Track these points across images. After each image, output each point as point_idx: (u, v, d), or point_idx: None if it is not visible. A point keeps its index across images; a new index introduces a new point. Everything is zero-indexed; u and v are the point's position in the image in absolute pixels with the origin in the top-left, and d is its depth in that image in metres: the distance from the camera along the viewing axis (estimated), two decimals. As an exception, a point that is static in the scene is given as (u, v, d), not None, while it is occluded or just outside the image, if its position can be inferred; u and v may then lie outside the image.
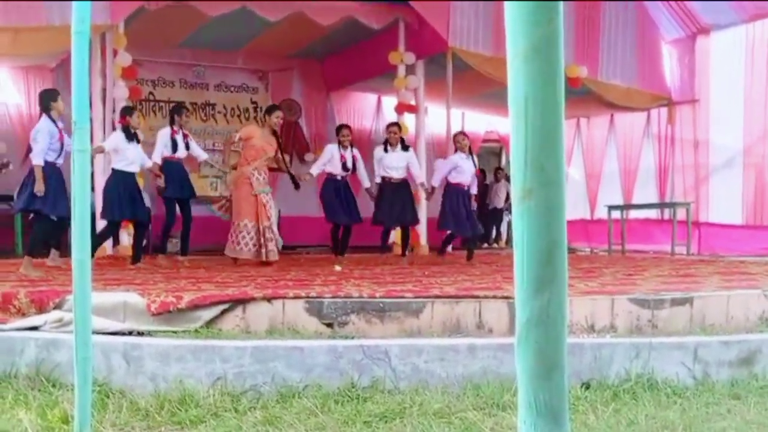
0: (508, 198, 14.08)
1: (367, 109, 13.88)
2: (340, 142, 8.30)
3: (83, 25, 2.65)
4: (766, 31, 10.12)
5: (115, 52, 9.11)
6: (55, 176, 6.45)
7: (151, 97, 12.03)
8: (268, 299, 4.15)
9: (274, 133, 7.79)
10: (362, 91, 13.53)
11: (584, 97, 11.10)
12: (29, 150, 6.64)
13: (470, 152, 8.04)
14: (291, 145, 12.50)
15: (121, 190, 7.09)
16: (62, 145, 6.48)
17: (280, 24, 10.26)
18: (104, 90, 9.21)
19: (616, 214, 11.15)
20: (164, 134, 7.74)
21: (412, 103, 10.75)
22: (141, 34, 9.56)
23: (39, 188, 6.29)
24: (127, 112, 7.52)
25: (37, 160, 6.33)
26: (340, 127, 8.62)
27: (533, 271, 1.08)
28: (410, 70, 10.70)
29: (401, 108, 10.74)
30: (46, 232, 6.86)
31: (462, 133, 8.40)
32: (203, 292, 4.35)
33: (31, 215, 7.14)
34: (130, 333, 3.89)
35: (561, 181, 1.09)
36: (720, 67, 10.91)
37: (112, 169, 7.30)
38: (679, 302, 4.39)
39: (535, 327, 1.09)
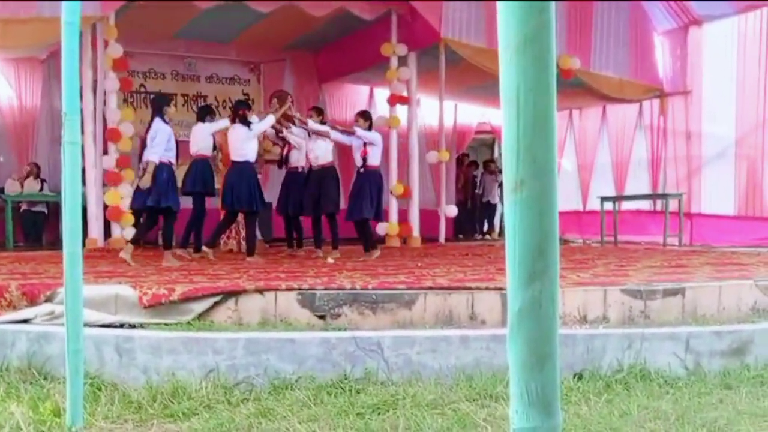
0: (500, 187, 14.10)
1: (360, 100, 13.83)
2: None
3: (73, 16, 2.64)
4: (759, 22, 10.13)
5: (105, 44, 9.06)
6: (170, 174, 6.69)
7: (142, 89, 11.96)
8: (261, 291, 4.15)
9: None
10: (355, 83, 13.49)
11: (576, 88, 11.09)
12: (143, 147, 6.77)
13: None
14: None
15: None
16: (177, 145, 6.83)
17: (273, 16, 10.21)
18: (95, 81, 9.16)
19: (608, 206, 11.16)
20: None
21: (405, 94, 10.73)
22: (132, 26, 9.50)
23: (145, 182, 6.52)
24: (243, 105, 7.96)
25: (154, 156, 6.55)
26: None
27: (525, 262, 1.08)
28: (402, 61, 10.67)
29: (393, 99, 10.72)
30: (172, 226, 6.94)
31: (359, 113, 8.22)
32: (195, 284, 4.34)
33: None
34: (122, 325, 3.88)
35: (553, 172, 1.09)
36: (712, 59, 10.92)
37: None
38: (671, 293, 4.41)
39: (526, 318, 1.09)
